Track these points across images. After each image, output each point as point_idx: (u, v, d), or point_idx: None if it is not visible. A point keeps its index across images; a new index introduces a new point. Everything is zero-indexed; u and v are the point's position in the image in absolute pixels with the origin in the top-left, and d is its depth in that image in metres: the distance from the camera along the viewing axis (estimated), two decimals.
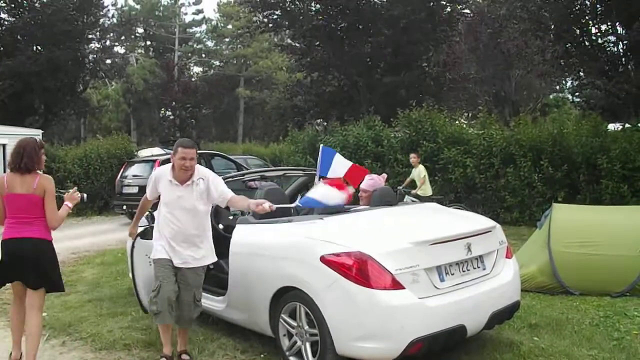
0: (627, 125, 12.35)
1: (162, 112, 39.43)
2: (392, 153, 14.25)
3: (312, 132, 16.57)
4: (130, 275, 7.10)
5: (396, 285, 4.13)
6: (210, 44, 49.30)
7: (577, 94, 32.61)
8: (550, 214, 7.11)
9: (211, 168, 15.25)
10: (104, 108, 33.85)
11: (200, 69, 48.28)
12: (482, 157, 12.75)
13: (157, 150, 23.18)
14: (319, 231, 4.62)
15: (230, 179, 6.10)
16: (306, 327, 4.48)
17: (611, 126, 12.68)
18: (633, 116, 13.68)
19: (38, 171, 4.67)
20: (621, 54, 15.34)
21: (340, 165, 5.64)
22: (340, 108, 21.07)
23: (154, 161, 15.13)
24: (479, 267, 4.73)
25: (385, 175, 6.23)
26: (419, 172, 10.98)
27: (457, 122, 15.30)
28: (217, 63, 47.87)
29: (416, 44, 20.04)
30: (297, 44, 22.46)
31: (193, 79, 41.16)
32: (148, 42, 45.19)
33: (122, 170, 15.94)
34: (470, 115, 24.21)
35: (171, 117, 37.78)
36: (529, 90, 28.06)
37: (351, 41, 20.52)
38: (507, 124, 16.20)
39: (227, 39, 46.94)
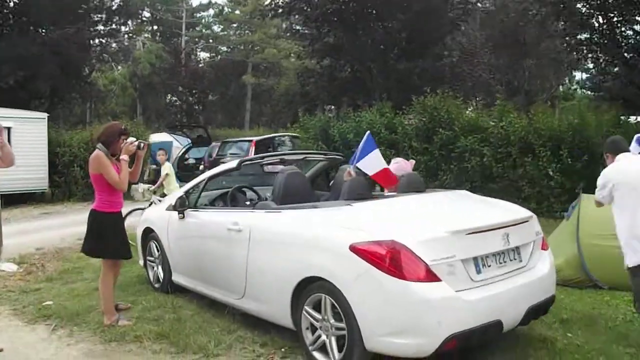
0: None
1: (169, 97, 39.05)
2: (407, 140, 13.90)
3: (324, 118, 16.16)
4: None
5: (432, 277, 3.83)
6: (217, 29, 48.87)
7: (593, 82, 32.29)
8: (579, 205, 6.79)
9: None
10: (111, 92, 33.44)
11: (207, 54, 47.91)
12: (499, 146, 12.39)
13: (164, 136, 22.86)
14: (348, 218, 4.32)
15: (249, 162, 5.81)
16: (332, 321, 4.18)
17: (632, 118, 12.29)
18: None
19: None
20: None
21: (374, 162, 5.29)
22: (352, 95, 20.70)
23: (250, 141, 17.30)
24: (515, 259, 4.43)
25: (413, 161, 5.90)
26: (163, 171, 10.59)
27: (469, 109, 14.93)
28: (224, 49, 47.45)
29: (431, 30, 19.63)
30: (307, 30, 21.95)
31: (200, 65, 40.75)
32: (155, 27, 44.71)
33: (218, 149, 18.49)
34: (477, 103, 23.76)
35: (177, 102, 37.41)
36: (541, 80, 27.60)
37: (364, 26, 20.10)
38: (526, 112, 15.81)
39: (234, 25, 46.48)
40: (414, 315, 3.81)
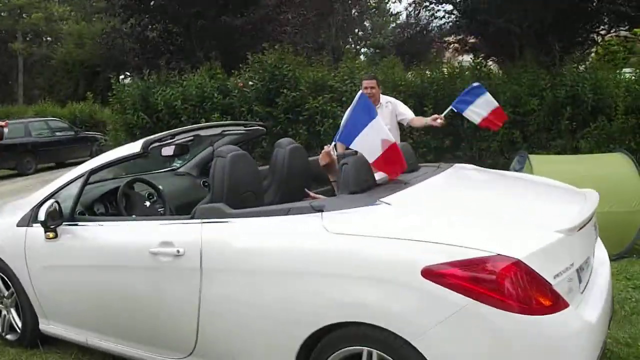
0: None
1: None
2: (245, 105, 12.34)
3: (142, 85, 13.80)
4: None
5: (559, 302, 2.48)
6: None
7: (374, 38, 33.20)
8: (530, 168, 5.89)
9: None
10: None
11: None
12: None
13: None
14: (399, 225, 2.74)
15: (157, 144, 3.86)
16: None
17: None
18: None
19: None
20: None
21: (375, 138, 3.49)
22: (169, 57, 18.23)
23: None
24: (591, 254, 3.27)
25: None
26: None
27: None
28: None
29: None
30: None
31: None
32: None
33: None
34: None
35: None
36: (345, 37, 27.33)
37: None
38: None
39: None
40: None
